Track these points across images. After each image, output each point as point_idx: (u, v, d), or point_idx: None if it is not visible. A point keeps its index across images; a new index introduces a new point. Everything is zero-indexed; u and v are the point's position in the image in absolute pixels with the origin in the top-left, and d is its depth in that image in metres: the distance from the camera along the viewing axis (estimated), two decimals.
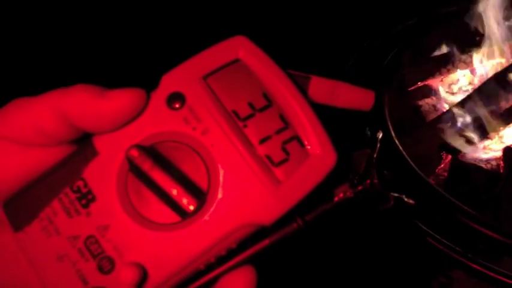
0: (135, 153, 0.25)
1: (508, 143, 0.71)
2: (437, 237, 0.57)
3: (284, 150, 0.27)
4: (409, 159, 0.63)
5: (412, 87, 0.80)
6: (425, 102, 0.80)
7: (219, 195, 0.26)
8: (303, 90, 0.29)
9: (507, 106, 0.74)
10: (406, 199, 0.31)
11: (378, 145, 0.31)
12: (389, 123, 0.69)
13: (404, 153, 0.64)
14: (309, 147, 0.27)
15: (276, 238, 0.27)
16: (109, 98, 0.26)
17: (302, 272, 0.63)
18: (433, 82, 0.82)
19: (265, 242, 0.27)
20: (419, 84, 0.80)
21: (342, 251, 0.64)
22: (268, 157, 0.27)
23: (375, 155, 0.31)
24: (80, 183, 0.26)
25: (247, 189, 0.26)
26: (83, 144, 0.27)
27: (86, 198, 0.26)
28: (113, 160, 0.26)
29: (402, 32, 0.83)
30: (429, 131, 0.74)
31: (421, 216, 0.59)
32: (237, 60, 0.28)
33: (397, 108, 0.74)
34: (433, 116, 0.78)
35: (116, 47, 0.85)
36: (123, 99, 0.26)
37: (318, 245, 0.64)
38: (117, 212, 0.26)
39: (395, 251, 0.62)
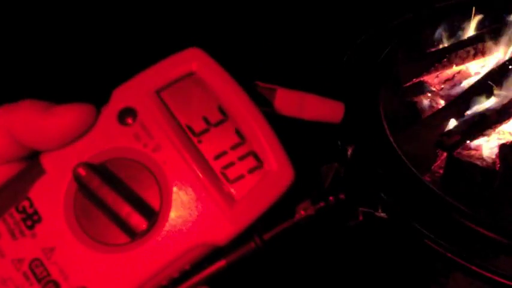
0: (82, 171, 0.24)
1: (504, 140, 0.70)
2: (433, 236, 0.56)
3: (239, 166, 0.26)
4: (403, 157, 0.62)
5: (407, 84, 0.79)
6: (421, 99, 0.79)
7: (172, 215, 0.25)
8: (269, 103, 0.28)
9: (503, 103, 0.73)
10: (377, 213, 0.30)
11: (348, 159, 0.30)
12: (383, 120, 0.68)
13: (398, 150, 0.64)
14: (265, 163, 0.26)
15: (233, 258, 0.27)
16: (54, 114, 0.25)
17: (299, 272, 0.63)
18: (429, 78, 0.81)
19: (222, 263, 0.27)
20: (415, 80, 0.79)
21: (340, 254, 0.63)
22: (223, 174, 0.26)
23: (342, 170, 0.30)
24: (26, 203, 0.25)
25: (201, 209, 0.25)
26: (31, 162, 0.26)
27: (32, 219, 0.25)
28: (60, 179, 0.25)
29: (397, 28, 0.82)
30: (424, 127, 0.73)
31: (416, 216, 0.58)
32: (191, 73, 0.27)
33: (392, 105, 0.74)
34: (428, 112, 0.77)
35: (66, 61, 0.84)
36: (69, 115, 0.25)
37: (315, 247, 0.63)
38: (63, 233, 0.25)
39: (392, 251, 0.61)
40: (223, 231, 0.25)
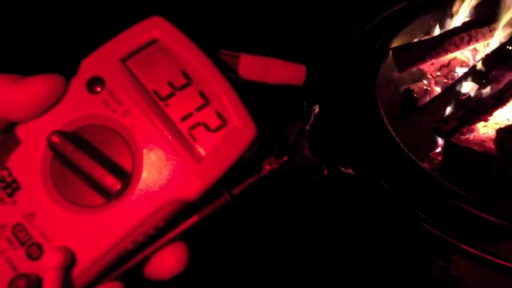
0: (56, 139, 0.26)
1: (501, 125, 0.71)
2: (433, 221, 0.57)
3: (205, 126, 0.27)
4: (401, 145, 0.63)
5: (403, 72, 0.79)
6: (417, 86, 0.79)
7: (143, 175, 0.27)
8: (234, 69, 0.30)
9: (499, 87, 0.74)
10: (343, 169, 0.31)
11: (312, 117, 0.31)
12: (381, 109, 0.68)
13: (397, 138, 0.64)
14: (228, 121, 0.27)
15: (205, 214, 0.28)
16: (25, 85, 0.26)
17: (294, 263, 0.63)
18: (424, 66, 0.81)
19: (194, 218, 0.28)
20: (410, 68, 0.79)
21: (340, 243, 0.64)
22: (190, 134, 0.27)
23: (307, 127, 0.31)
24: (5, 172, 0.27)
25: (170, 167, 0.27)
26: (6, 135, 0.27)
27: (11, 187, 0.26)
28: (35, 148, 0.27)
29: (392, 16, 0.83)
30: (422, 115, 0.74)
31: (417, 202, 0.59)
32: (154, 41, 0.28)
33: (389, 93, 0.74)
34: (425, 99, 0.77)
35: (34, 36, 0.85)
36: (38, 85, 0.26)
37: (314, 237, 0.64)
38: (42, 198, 0.26)
39: (392, 237, 0.62)
40: (193, 187, 0.27)
